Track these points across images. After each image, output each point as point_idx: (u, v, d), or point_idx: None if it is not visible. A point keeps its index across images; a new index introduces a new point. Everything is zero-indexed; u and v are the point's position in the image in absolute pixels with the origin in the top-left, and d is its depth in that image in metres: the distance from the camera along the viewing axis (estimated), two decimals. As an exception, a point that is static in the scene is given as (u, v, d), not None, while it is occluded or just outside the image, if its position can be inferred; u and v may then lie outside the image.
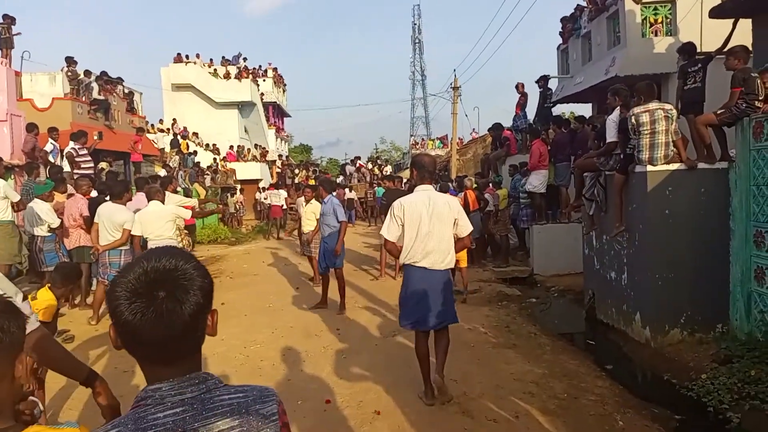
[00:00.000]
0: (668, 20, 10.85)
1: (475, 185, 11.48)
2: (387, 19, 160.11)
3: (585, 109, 14.95)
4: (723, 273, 5.97)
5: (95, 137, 12.35)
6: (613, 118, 6.49)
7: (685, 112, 6.59)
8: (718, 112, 5.72)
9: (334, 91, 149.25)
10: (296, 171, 30.65)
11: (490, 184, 11.51)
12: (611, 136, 6.52)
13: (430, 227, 4.25)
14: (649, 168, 5.98)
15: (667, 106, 6.00)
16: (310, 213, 9.15)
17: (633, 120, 5.90)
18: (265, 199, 20.75)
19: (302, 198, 10.22)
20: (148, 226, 6.75)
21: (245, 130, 33.04)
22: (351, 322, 7.46)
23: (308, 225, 9.23)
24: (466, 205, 11.02)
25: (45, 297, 4.08)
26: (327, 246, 7.68)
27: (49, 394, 4.12)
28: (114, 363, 5.83)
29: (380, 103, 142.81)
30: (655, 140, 5.82)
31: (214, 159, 25.44)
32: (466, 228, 4.40)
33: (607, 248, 7.20)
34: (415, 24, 72.86)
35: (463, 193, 11.02)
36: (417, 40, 72.94)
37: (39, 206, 7.40)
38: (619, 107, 6.39)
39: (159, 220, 6.76)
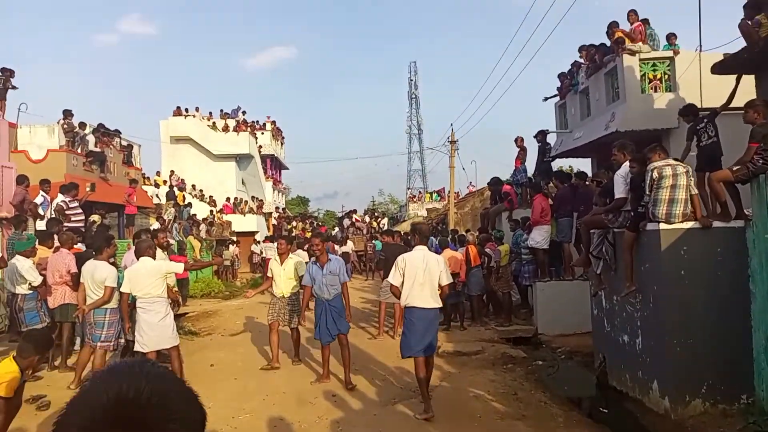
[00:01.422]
0: (667, 76, 10.87)
1: (477, 241, 11.22)
2: (384, 74, 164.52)
3: (584, 164, 14.91)
4: (745, 338, 5.60)
5: (87, 189, 12.13)
6: (621, 174, 6.29)
7: (702, 168, 6.39)
8: (734, 168, 5.51)
9: (331, 143, 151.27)
10: (293, 223, 30.42)
11: (492, 239, 11.22)
12: (620, 192, 6.30)
13: (424, 278, 5.64)
14: (663, 226, 5.71)
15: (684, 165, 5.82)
16: (291, 271, 7.73)
17: (654, 174, 5.64)
18: (260, 252, 20.39)
19: (274, 252, 8.83)
20: (136, 283, 6.38)
21: (243, 182, 33.01)
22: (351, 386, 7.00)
23: (287, 286, 7.74)
24: (467, 261, 10.73)
25: (8, 369, 3.68)
26: (335, 310, 6.87)
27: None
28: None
29: (377, 156, 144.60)
30: (675, 195, 5.58)
31: (211, 211, 25.22)
32: (447, 278, 5.83)
33: (618, 309, 6.85)
34: (411, 80, 74.38)
35: (464, 248, 10.74)
36: (413, 96, 74.26)
37: (20, 263, 7.04)
38: (628, 163, 6.19)
39: (149, 278, 6.38)
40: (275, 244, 19.62)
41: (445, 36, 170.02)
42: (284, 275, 7.72)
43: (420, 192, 55.39)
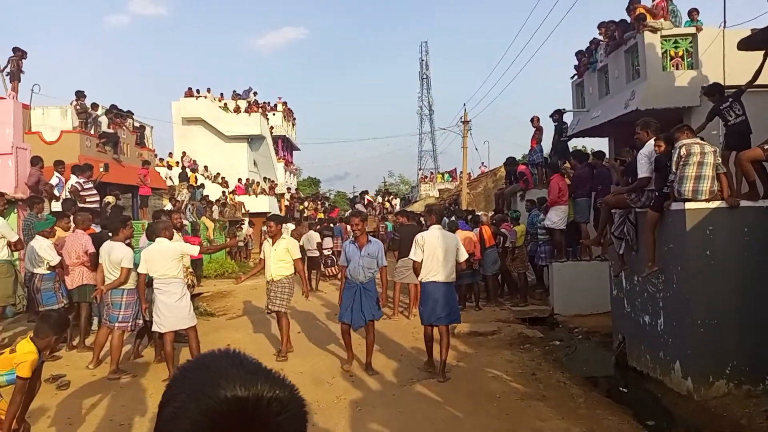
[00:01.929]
0: (689, 53, 10.58)
1: (492, 221, 11.10)
2: (395, 54, 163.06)
3: (601, 144, 14.61)
4: (772, 319, 5.49)
5: (101, 169, 12.13)
6: (645, 153, 6.13)
7: (731, 147, 6.22)
8: (765, 147, 5.34)
9: (342, 124, 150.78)
10: (305, 204, 30.40)
11: (508, 220, 11.10)
12: (643, 171, 6.15)
13: (442, 255, 6.19)
14: (689, 206, 5.58)
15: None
16: (283, 252, 7.24)
17: (682, 150, 5.47)
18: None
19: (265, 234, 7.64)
20: (152, 264, 6.36)
21: (254, 164, 32.98)
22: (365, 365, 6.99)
23: (281, 269, 7.26)
24: (481, 241, 10.63)
25: (26, 350, 3.67)
26: (369, 294, 6.56)
27: None
28: (110, 414, 5.39)
29: (388, 137, 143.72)
30: (702, 172, 5.43)
31: (223, 192, 25.25)
32: (462, 255, 6.53)
33: (639, 290, 6.74)
34: (422, 60, 73.62)
35: (478, 229, 10.64)
36: (425, 76, 73.54)
37: (39, 243, 7.05)
38: (653, 141, 6.03)
39: (164, 258, 6.35)
40: (288, 225, 19.68)
41: (457, 15, 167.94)
42: (275, 257, 7.26)
43: (431, 173, 55.14)
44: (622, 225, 6.73)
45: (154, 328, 6.49)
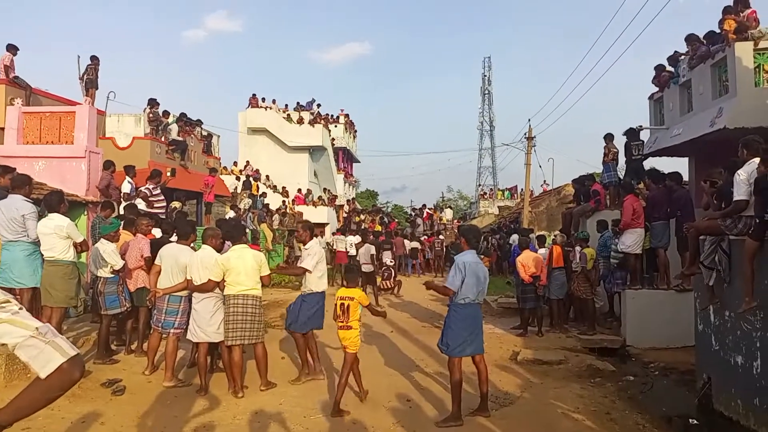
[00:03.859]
0: (786, 69, 9.73)
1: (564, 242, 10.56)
2: (457, 69, 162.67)
3: (680, 164, 13.67)
4: None
5: (168, 173, 12.38)
6: (744, 174, 5.52)
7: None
8: None
9: (402, 138, 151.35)
10: (361, 216, 30.33)
11: (578, 242, 10.47)
12: (741, 194, 5.53)
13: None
14: (797, 235, 4.95)
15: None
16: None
17: None
18: (331, 244, 20.38)
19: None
20: (193, 271, 6.18)
21: (315, 174, 33.37)
22: (424, 390, 6.64)
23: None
24: (549, 262, 10.10)
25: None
26: None
27: None
28: (162, 425, 5.26)
29: (447, 152, 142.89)
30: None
31: (283, 201, 25.55)
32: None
33: (731, 327, 6.07)
34: (485, 75, 72.87)
35: (548, 249, 10.10)
36: (486, 91, 72.73)
37: (103, 247, 7.12)
38: (756, 161, 5.42)
39: (203, 268, 6.19)
40: (346, 236, 19.58)
41: (522, 30, 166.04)
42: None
43: (491, 189, 54.24)
44: (714, 254, 6.09)
45: (188, 336, 6.38)
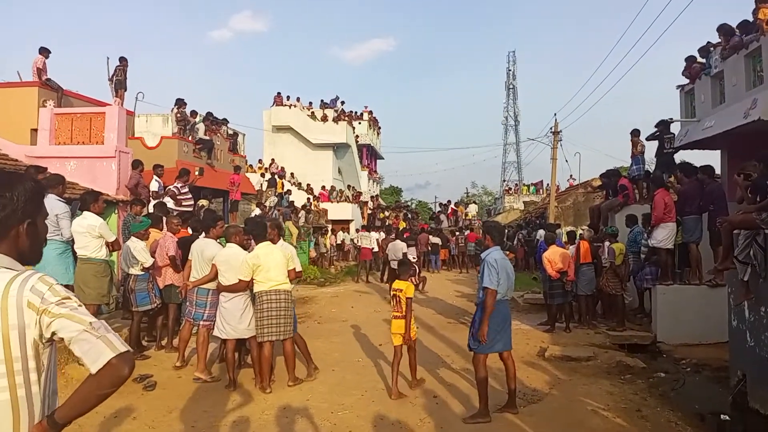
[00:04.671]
0: (824, 57, 9.40)
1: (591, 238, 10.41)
2: (481, 64, 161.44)
3: (712, 157, 13.34)
4: None
5: (196, 173, 12.56)
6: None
7: None
8: None
9: (426, 134, 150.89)
10: (385, 213, 30.37)
11: (607, 237, 10.30)
12: (778, 187, 5.38)
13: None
14: (838, 229, 4.79)
15: None
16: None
17: None
18: (357, 240, 20.48)
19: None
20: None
21: (339, 171, 33.50)
22: (450, 386, 6.62)
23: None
24: (577, 257, 9.97)
25: None
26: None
27: None
28: (192, 420, 5.35)
29: (471, 148, 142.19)
30: None
31: (308, 198, 25.73)
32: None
33: (766, 322, 5.91)
34: (509, 70, 72.12)
35: (576, 244, 9.97)
36: (511, 86, 72.00)
37: (134, 245, 7.27)
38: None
39: (229, 265, 6.26)
40: (370, 233, 19.65)
41: (548, 23, 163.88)
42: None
43: (516, 184, 53.74)
44: (748, 248, 5.93)
45: (216, 332, 6.45)
